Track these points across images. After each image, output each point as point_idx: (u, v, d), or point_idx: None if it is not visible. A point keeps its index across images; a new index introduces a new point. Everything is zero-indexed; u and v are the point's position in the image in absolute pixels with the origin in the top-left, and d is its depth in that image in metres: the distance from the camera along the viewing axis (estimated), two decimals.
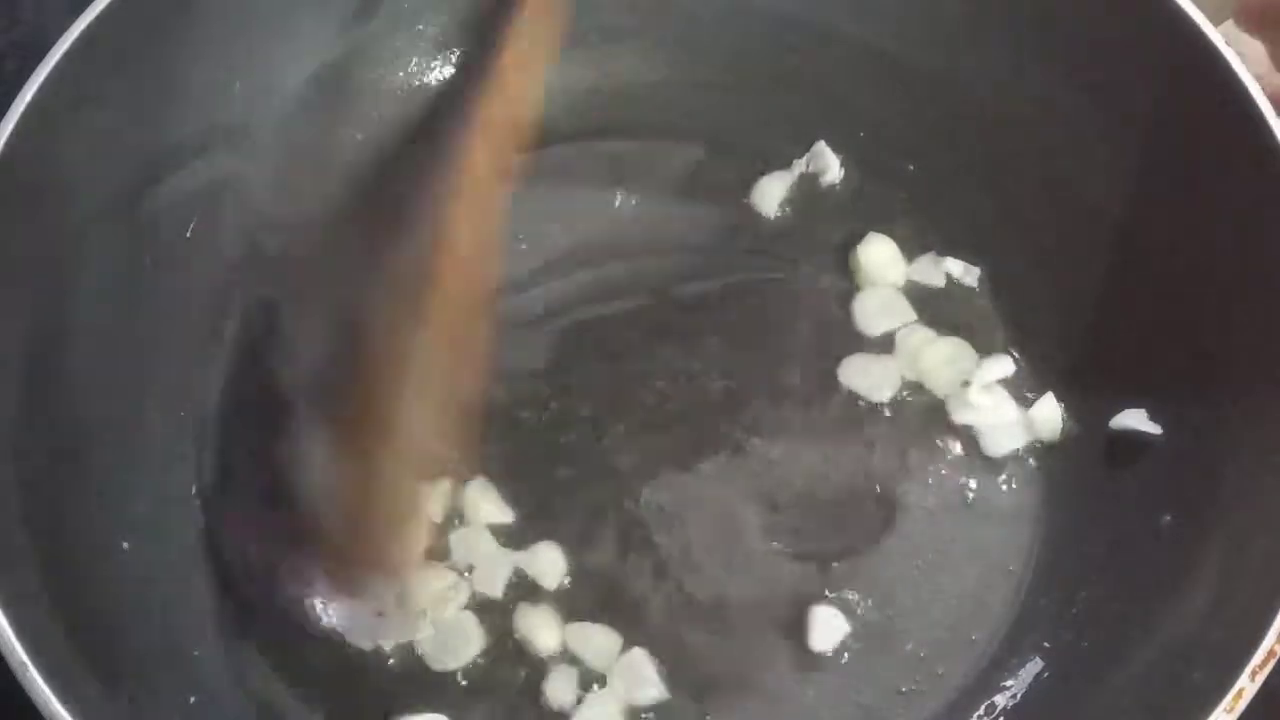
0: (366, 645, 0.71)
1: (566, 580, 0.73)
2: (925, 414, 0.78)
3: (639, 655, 0.71)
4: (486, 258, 0.64)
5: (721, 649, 0.72)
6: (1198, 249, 0.71)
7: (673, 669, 0.71)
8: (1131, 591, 0.69)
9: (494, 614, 0.73)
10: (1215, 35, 0.67)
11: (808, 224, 0.83)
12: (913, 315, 0.80)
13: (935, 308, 0.81)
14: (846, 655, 0.72)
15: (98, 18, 0.69)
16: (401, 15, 0.82)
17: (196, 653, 0.70)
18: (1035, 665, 0.71)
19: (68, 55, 0.68)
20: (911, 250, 0.82)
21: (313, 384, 0.63)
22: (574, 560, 0.74)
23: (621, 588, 0.73)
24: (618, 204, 0.84)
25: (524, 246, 0.82)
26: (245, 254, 0.77)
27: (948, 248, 0.82)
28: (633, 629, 0.72)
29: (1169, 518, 0.69)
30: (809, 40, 0.82)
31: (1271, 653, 0.57)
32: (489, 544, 0.74)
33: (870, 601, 0.73)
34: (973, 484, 0.76)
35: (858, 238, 0.82)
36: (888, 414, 0.78)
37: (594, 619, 0.72)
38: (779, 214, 0.83)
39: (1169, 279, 0.73)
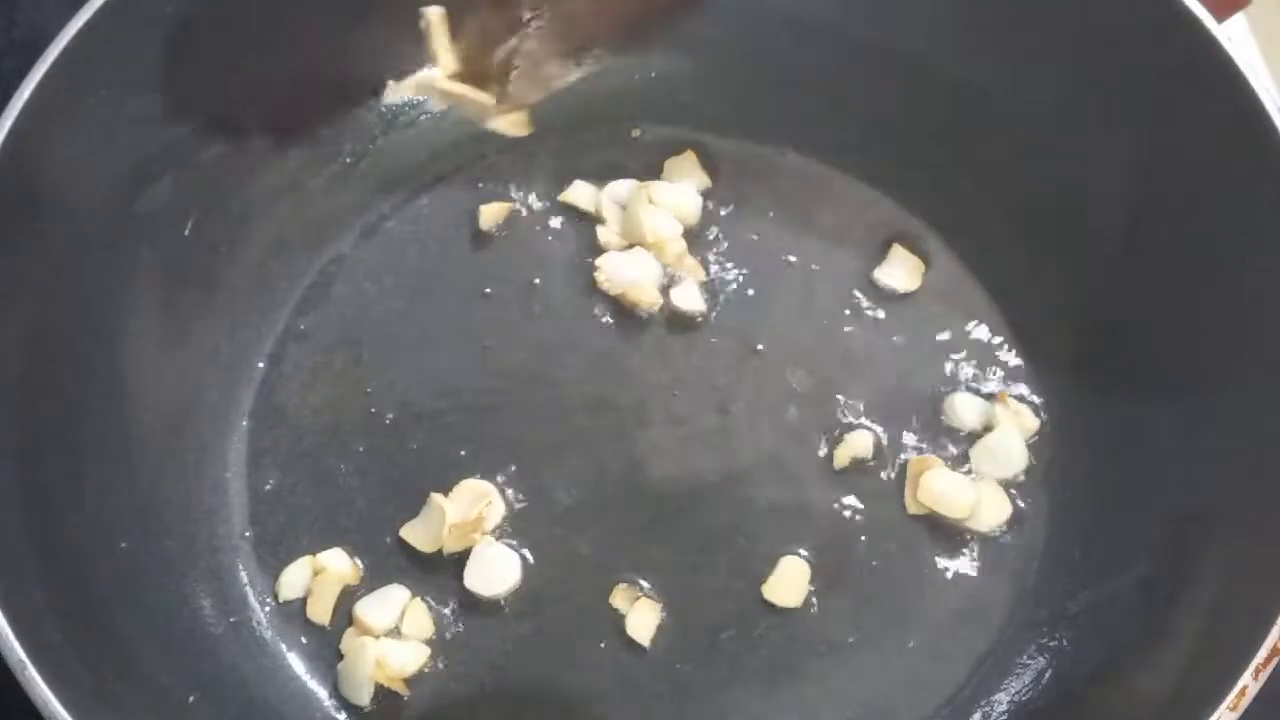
0: None
1: None
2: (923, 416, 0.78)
3: None
4: None
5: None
6: (1200, 247, 0.71)
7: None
8: (1133, 590, 0.69)
9: None
10: (1218, 32, 0.67)
11: (805, 221, 0.83)
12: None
13: (936, 307, 0.81)
14: (849, 653, 0.72)
15: (95, 15, 0.68)
16: None
17: (196, 652, 0.70)
18: (1036, 665, 0.71)
19: (66, 53, 0.68)
20: (915, 251, 0.82)
21: None
22: None
23: None
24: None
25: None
26: None
27: (949, 247, 0.82)
28: None
29: (1171, 517, 0.69)
30: (816, 39, 0.82)
31: (1275, 650, 0.57)
32: None
33: (873, 600, 0.73)
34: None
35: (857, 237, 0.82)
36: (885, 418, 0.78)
37: None
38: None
39: (1171, 278, 0.73)
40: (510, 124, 0.72)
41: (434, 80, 0.71)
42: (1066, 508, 0.75)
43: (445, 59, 0.69)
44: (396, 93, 0.71)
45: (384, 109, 0.83)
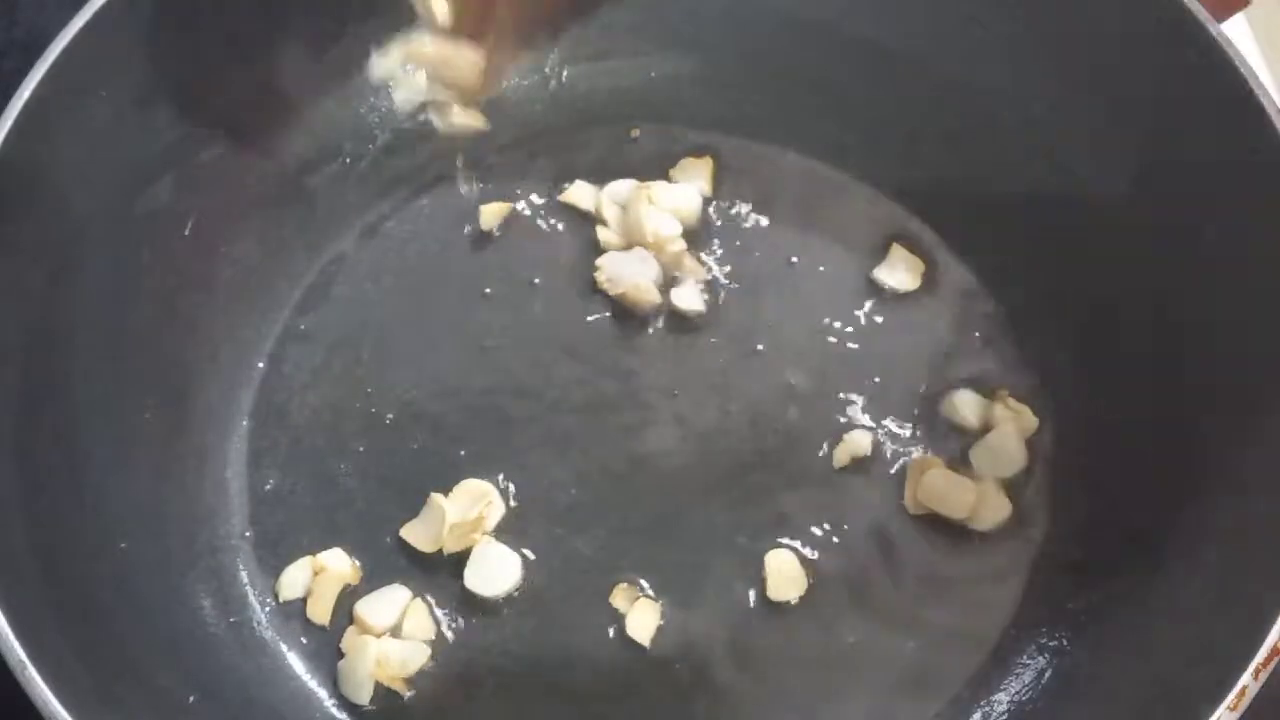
0: None
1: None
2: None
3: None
4: None
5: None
6: (1200, 247, 0.71)
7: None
8: (1133, 591, 0.69)
9: None
10: (1218, 32, 0.67)
11: (806, 221, 0.83)
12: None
13: (936, 307, 0.81)
14: (849, 653, 0.72)
15: (95, 15, 0.69)
16: None
17: (196, 652, 0.70)
18: (1036, 665, 0.71)
19: (66, 53, 0.68)
20: (914, 250, 0.82)
21: None
22: None
23: None
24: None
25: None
26: None
27: (949, 247, 0.82)
28: None
29: (1170, 517, 0.69)
30: (813, 39, 0.83)
31: (1275, 650, 0.57)
32: None
33: (873, 600, 0.73)
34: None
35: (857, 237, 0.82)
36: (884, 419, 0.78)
37: None
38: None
39: (1171, 277, 0.72)
40: (469, 118, 0.72)
41: (422, 44, 0.71)
42: (1066, 508, 0.75)
43: (439, 4, 0.68)
44: (382, 65, 0.70)
45: (383, 111, 0.84)
